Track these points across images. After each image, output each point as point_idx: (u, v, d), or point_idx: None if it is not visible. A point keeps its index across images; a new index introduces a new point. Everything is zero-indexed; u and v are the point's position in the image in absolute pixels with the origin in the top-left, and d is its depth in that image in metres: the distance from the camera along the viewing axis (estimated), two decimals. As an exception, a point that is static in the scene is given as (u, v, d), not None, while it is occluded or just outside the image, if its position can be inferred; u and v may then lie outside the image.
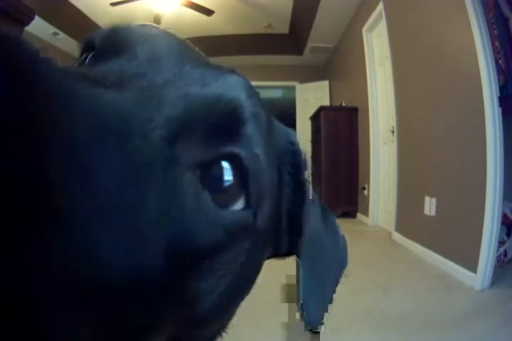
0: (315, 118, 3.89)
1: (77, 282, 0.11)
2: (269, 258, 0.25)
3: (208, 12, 3.46)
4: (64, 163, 0.11)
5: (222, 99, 0.17)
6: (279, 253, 0.25)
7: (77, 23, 3.69)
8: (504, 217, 1.63)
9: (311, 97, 5.01)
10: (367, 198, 3.26)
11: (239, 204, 0.18)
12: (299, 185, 0.24)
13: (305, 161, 0.25)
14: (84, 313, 0.11)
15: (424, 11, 2.05)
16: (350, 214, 3.57)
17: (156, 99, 0.15)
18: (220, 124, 0.17)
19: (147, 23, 0.23)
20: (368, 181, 3.25)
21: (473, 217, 1.60)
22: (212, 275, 0.17)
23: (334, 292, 0.28)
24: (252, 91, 0.19)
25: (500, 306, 1.35)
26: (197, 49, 0.23)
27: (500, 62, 1.48)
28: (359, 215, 3.50)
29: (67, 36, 3.89)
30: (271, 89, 5.97)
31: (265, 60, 4.86)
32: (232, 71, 0.20)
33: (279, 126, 0.24)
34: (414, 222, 2.26)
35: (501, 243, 1.68)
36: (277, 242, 0.24)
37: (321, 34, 4.01)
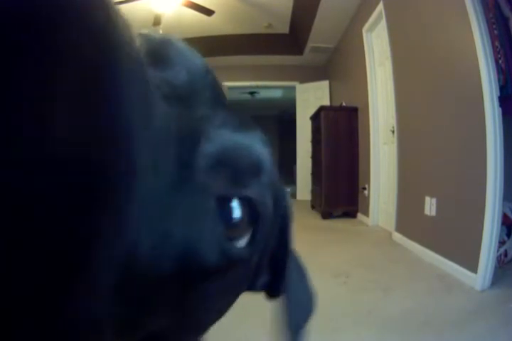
0: (315, 118, 3.89)
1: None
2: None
3: (208, 12, 3.46)
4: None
5: (252, 149, 0.19)
6: (254, 288, 0.28)
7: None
8: (504, 217, 1.63)
9: (311, 97, 5.01)
10: (367, 198, 3.26)
11: (244, 240, 0.20)
12: (285, 235, 0.27)
13: (291, 218, 0.28)
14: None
15: (424, 11, 2.05)
16: (350, 214, 3.57)
17: (199, 130, 0.17)
18: (246, 171, 0.19)
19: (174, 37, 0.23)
20: (368, 181, 3.25)
21: (474, 217, 1.60)
22: (205, 295, 0.18)
23: (304, 331, 0.32)
24: (270, 149, 0.22)
25: (501, 306, 1.35)
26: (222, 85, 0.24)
27: (500, 62, 1.48)
28: (359, 215, 3.50)
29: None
30: (271, 89, 5.98)
31: (265, 60, 4.86)
32: (249, 121, 0.21)
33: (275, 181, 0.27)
34: (414, 222, 2.27)
35: (501, 243, 1.68)
36: (255, 278, 0.27)
37: (321, 34, 4.01)
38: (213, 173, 0.17)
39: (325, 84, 4.92)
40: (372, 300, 1.49)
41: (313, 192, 4.07)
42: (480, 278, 1.53)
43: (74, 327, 0.11)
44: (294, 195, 5.09)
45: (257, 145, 0.20)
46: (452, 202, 1.83)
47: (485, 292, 1.51)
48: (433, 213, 2.00)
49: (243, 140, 0.19)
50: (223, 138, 0.18)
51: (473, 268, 1.58)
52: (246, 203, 0.19)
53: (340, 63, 4.25)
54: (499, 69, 1.49)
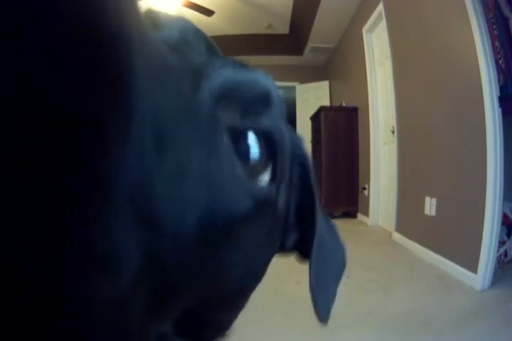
0: (315, 118, 3.89)
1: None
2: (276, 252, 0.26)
3: (208, 12, 3.46)
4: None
5: (255, 81, 0.19)
6: (284, 248, 0.26)
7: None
8: (504, 217, 1.63)
9: (311, 97, 5.01)
10: (367, 198, 3.26)
11: (266, 176, 0.19)
12: (308, 185, 0.26)
13: (312, 167, 0.27)
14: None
15: (424, 11, 2.05)
16: (350, 214, 3.57)
17: (197, 70, 0.17)
18: (253, 100, 0.18)
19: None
20: (368, 181, 3.25)
21: (474, 217, 1.60)
22: (236, 248, 0.17)
23: (336, 290, 0.30)
24: (274, 83, 0.21)
25: (501, 306, 1.35)
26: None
27: (500, 62, 1.48)
28: (359, 215, 3.50)
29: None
30: (271, 89, 5.97)
31: (265, 60, 4.86)
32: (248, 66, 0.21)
33: (289, 128, 0.26)
34: (414, 222, 2.27)
35: (501, 243, 1.68)
36: (285, 235, 0.25)
37: (321, 34, 4.01)
38: (221, 106, 0.16)
39: (325, 85, 4.92)
40: (372, 300, 1.49)
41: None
42: (480, 278, 1.53)
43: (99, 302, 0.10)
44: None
45: (261, 78, 0.19)
46: (452, 202, 1.83)
47: (485, 292, 1.51)
48: (433, 213, 2.00)
49: (246, 74, 0.19)
50: (225, 74, 0.18)
51: (473, 268, 1.58)
52: (261, 134, 0.18)
53: (341, 63, 4.25)
54: (499, 69, 1.49)
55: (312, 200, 0.26)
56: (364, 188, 3.35)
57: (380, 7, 2.71)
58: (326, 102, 4.73)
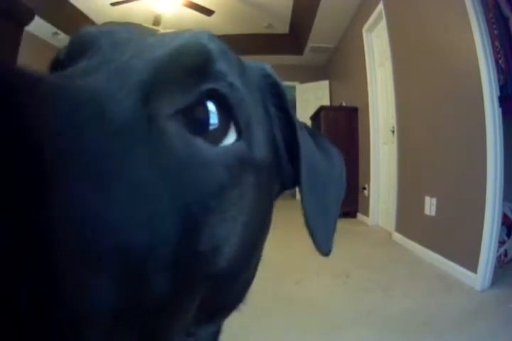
0: (315, 118, 3.89)
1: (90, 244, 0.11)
2: (279, 193, 0.25)
3: (208, 12, 3.45)
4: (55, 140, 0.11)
5: (186, 44, 0.18)
6: (287, 186, 0.26)
7: (77, 23, 3.69)
8: (504, 217, 1.63)
9: (311, 97, 5.01)
10: (367, 198, 3.26)
11: (231, 137, 0.18)
12: (285, 113, 0.26)
13: (284, 90, 0.26)
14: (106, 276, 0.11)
15: (424, 11, 2.05)
16: (350, 214, 3.57)
17: (123, 71, 0.16)
18: (190, 65, 0.17)
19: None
20: (368, 181, 3.25)
21: (474, 217, 1.60)
22: (224, 218, 0.17)
23: (337, 214, 0.29)
24: (214, 36, 0.20)
25: (501, 306, 1.35)
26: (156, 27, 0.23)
27: (500, 62, 1.48)
28: (359, 215, 3.50)
29: (67, 36, 3.89)
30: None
31: (265, 60, 4.82)
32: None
33: (252, 63, 0.25)
34: (414, 222, 2.26)
35: (501, 243, 1.68)
36: (282, 173, 0.25)
37: (321, 34, 4.01)
38: (156, 95, 0.16)
39: (325, 84, 4.91)
40: (372, 300, 1.49)
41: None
42: (480, 278, 1.53)
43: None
44: (294, 195, 5.09)
45: (192, 38, 0.19)
46: (452, 202, 1.83)
47: (485, 292, 1.51)
48: (433, 213, 2.00)
49: (176, 43, 0.18)
50: (153, 56, 0.17)
51: (473, 268, 1.58)
52: (211, 97, 0.18)
53: (341, 63, 4.25)
54: (499, 69, 1.49)
55: (292, 125, 0.25)
56: (364, 188, 3.35)
57: (380, 7, 2.71)
58: (326, 102, 4.73)
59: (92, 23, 3.78)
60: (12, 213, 0.09)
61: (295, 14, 3.99)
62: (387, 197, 2.91)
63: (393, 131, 2.64)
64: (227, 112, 0.18)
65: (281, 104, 0.25)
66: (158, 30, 0.22)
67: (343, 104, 3.95)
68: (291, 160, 0.26)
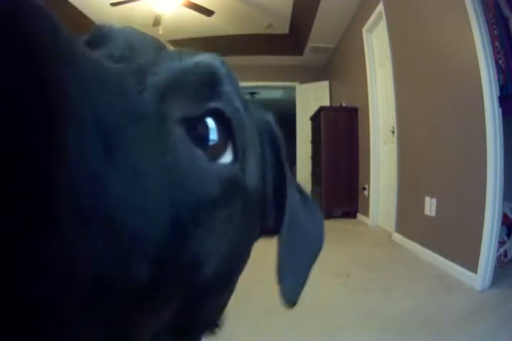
0: (315, 118, 3.89)
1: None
2: (259, 236, 0.26)
3: (208, 12, 3.45)
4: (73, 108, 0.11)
5: (200, 64, 0.19)
6: (267, 229, 0.26)
7: (77, 23, 3.69)
8: (504, 217, 1.63)
9: (312, 97, 5.01)
10: (367, 198, 3.26)
11: (227, 157, 0.19)
12: (279, 160, 0.26)
13: (282, 141, 0.27)
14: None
15: (424, 11, 2.05)
16: (350, 214, 3.57)
17: (142, 71, 0.17)
18: (200, 83, 0.18)
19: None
20: (368, 181, 3.25)
21: (474, 217, 1.60)
22: (211, 234, 0.17)
23: (309, 272, 0.29)
24: (224, 62, 0.21)
25: (501, 306, 1.35)
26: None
27: (500, 62, 1.48)
28: (359, 215, 3.50)
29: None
30: (271, 89, 5.97)
31: (265, 60, 4.86)
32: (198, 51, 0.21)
33: (255, 106, 0.26)
34: (414, 223, 2.26)
35: (501, 243, 1.68)
36: (266, 215, 0.25)
37: (321, 34, 4.01)
38: (170, 98, 0.17)
39: (325, 85, 4.91)
40: (372, 300, 1.49)
41: (314, 192, 4.07)
42: (480, 278, 1.53)
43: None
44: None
45: (205, 59, 0.19)
46: (452, 202, 1.83)
47: (485, 292, 1.51)
48: (433, 213, 2.00)
49: (189, 61, 0.19)
50: (168, 66, 0.18)
51: (473, 268, 1.58)
52: (213, 116, 0.18)
53: (341, 63, 4.25)
54: (499, 69, 1.49)
55: (283, 174, 0.26)
56: (364, 188, 3.35)
57: (380, 7, 2.71)
58: (326, 102, 4.73)
59: (91, 23, 3.78)
60: (25, 152, 0.09)
61: (295, 14, 3.99)
62: (387, 198, 2.91)
63: (393, 131, 2.64)
64: (227, 133, 0.19)
65: (277, 152, 0.26)
66: (164, 45, 0.24)
67: (343, 104, 3.96)
68: (276, 206, 0.26)
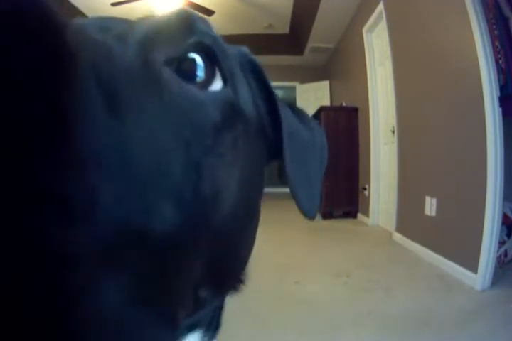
0: (315, 118, 3.88)
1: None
2: (267, 161, 0.27)
3: (208, 12, 3.45)
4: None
5: (175, 12, 0.21)
6: (271, 155, 0.27)
7: (77, 23, 3.70)
8: (504, 217, 1.63)
9: (312, 97, 5.01)
10: (367, 198, 3.26)
11: (218, 84, 0.20)
12: (265, 86, 0.27)
13: (261, 66, 0.28)
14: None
15: (424, 11, 2.05)
16: (350, 214, 3.57)
17: (119, 35, 0.18)
18: (176, 27, 0.20)
19: None
20: (368, 181, 3.25)
21: (474, 217, 1.60)
22: (222, 161, 0.18)
23: (320, 179, 0.31)
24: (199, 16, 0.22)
25: (501, 306, 1.35)
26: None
27: (500, 62, 1.48)
28: (359, 215, 3.50)
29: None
30: (271, 89, 5.97)
31: (265, 60, 4.86)
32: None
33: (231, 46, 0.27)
34: (414, 222, 2.26)
35: (502, 243, 1.68)
36: (266, 136, 0.26)
37: (321, 34, 4.01)
38: (150, 49, 0.18)
39: (325, 85, 4.91)
40: (372, 300, 1.49)
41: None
42: (480, 278, 1.53)
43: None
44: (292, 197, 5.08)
45: (180, 11, 0.21)
46: (452, 202, 1.83)
47: (485, 292, 1.51)
48: (433, 213, 2.00)
49: (164, 16, 0.20)
50: (144, 24, 0.19)
51: (473, 268, 1.58)
52: (194, 47, 0.19)
53: (341, 63, 4.25)
54: (499, 69, 1.49)
55: (273, 98, 0.27)
56: (364, 188, 3.35)
57: (380, 7, 2.71)
58: (326, 102, 4.73)
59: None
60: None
61: (295, 14, 3.99)
62: (388, 197, 2.90)
63: (393, 131, 2.64)
64: (213, 62, 0.20)
65: (261, 79, 0.27)
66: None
67: (344, 104, 3.95)
68: (273, 130, 0.27)
